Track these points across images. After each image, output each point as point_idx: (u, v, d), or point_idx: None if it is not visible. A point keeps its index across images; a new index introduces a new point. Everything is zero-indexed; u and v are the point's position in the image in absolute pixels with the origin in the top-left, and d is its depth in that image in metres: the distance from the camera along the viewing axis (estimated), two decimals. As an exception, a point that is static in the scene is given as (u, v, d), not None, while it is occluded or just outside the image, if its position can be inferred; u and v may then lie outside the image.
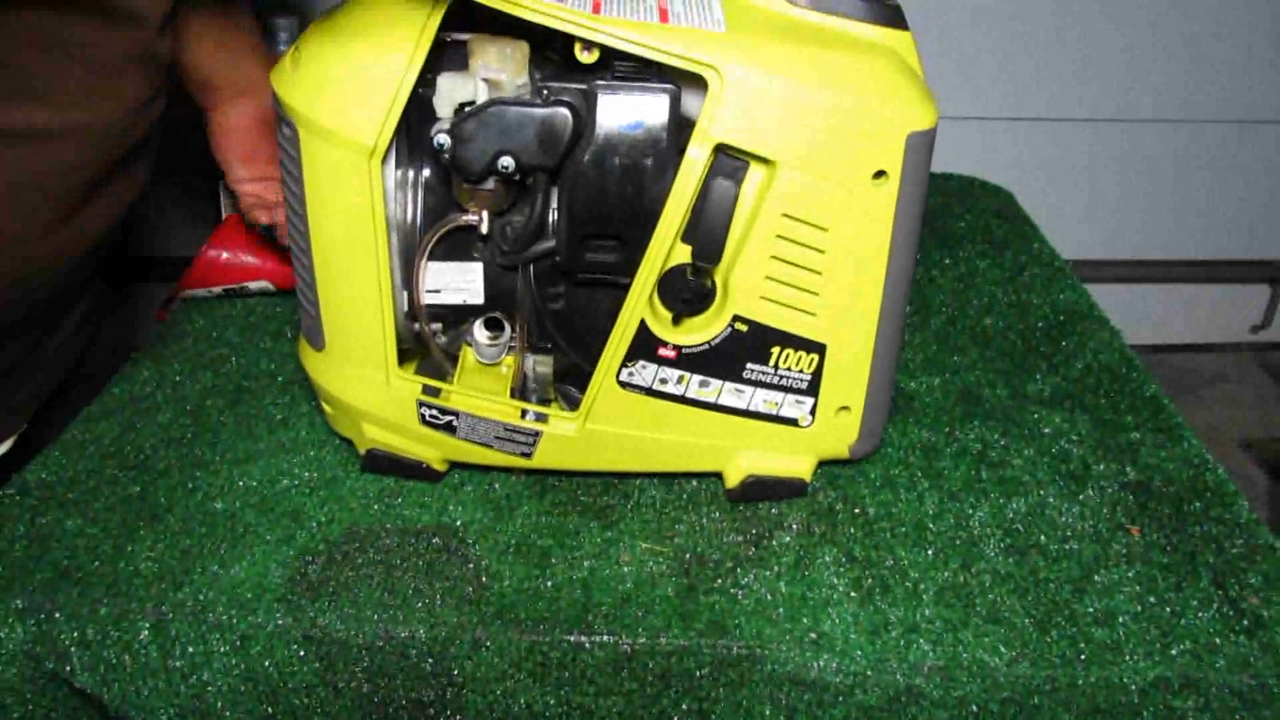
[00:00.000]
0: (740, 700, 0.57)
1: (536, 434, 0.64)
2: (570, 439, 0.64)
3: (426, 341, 0.64)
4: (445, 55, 0.57)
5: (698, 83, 0.54)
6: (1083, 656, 0.56)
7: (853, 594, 0.60)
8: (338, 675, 0.57)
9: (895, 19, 0.58)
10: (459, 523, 0.64)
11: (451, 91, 0.56)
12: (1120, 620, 0.59)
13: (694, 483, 0.69)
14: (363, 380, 0.63)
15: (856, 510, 0.67)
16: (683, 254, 0.58)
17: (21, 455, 0.79)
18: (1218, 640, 0.57)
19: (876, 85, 0.55)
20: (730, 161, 0.56)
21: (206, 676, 0.57)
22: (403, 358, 0.64)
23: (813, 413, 0.64)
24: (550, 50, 0.58)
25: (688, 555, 0.62)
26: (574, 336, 0.63)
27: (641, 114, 0.55)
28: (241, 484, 0.67)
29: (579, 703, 0.57)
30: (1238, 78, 1.76)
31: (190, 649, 0.57)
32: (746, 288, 0.59)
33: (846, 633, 0.57)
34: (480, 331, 0.65)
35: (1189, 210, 1.90)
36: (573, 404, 0.66)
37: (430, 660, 0.57)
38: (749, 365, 0.62)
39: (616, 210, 0.57)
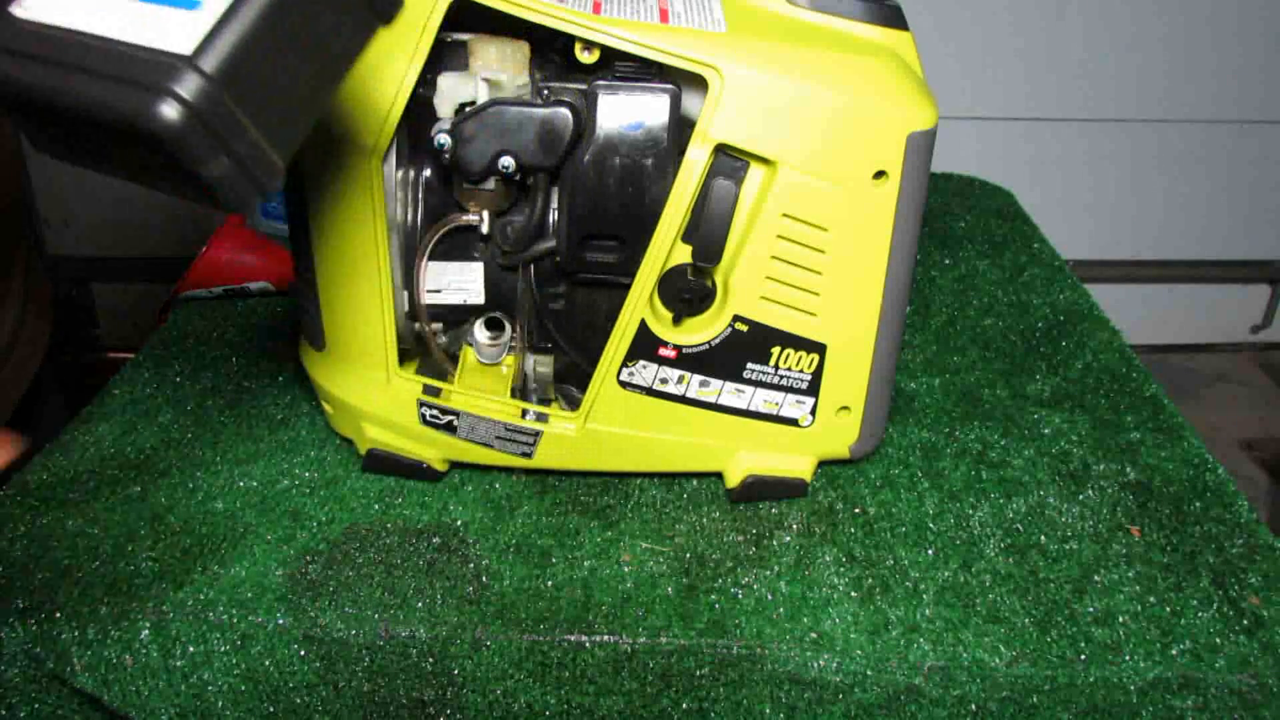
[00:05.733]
0: (740, 699, 0.57)
1: (537, 434, 0.64)
2: (570, 439, 0.64)
3: (427, 341, 0.64)
4: (445, 55, 0.57)
5: (698, 83, 0.54)
6: (1083, 656, 0.56)
7: (853, 594, 0.60)
8: (338, 674, 0.57)
9: (895, 19, 0.58)
10: (459, 522, 0.64)
11: (452, 91, 0.56)
12: (1120, 620, 0.59)
13: (694, 483, 0.69)
14: (363, 380, 0.63)
15: (856, 510, 0.67)
16: (683, 254, 0.58)
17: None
18: (1218, 640, 0.58)
19: (876, 85, 0.55)
20: (730, 162, 0.56)
21: (207, 676, 0.57)
22: (403, 358, 0.64)
23: (813, 413, 0.64)
24: (551, 50, 0.58)
25: (688, 555, 0.62)
26: (574, 336, 0.63)
27: (642, 114, 0.55)
28: (242, 484, 0.67)
29: (579, 702, 0.57)
30: (1238, 78, 1.77)
31: (191, 649, 0.57)
32: (747, 288, 0.59)
33: (846, 632, 0.57)
34: (480, 331, 0.65)
35: (1189, 210, 1.90)
36: (573, 404, 0.66)
37: (430, 660, 0.57)
38: (749, 365, 0.62)
39: (617, 210, 0.57)
